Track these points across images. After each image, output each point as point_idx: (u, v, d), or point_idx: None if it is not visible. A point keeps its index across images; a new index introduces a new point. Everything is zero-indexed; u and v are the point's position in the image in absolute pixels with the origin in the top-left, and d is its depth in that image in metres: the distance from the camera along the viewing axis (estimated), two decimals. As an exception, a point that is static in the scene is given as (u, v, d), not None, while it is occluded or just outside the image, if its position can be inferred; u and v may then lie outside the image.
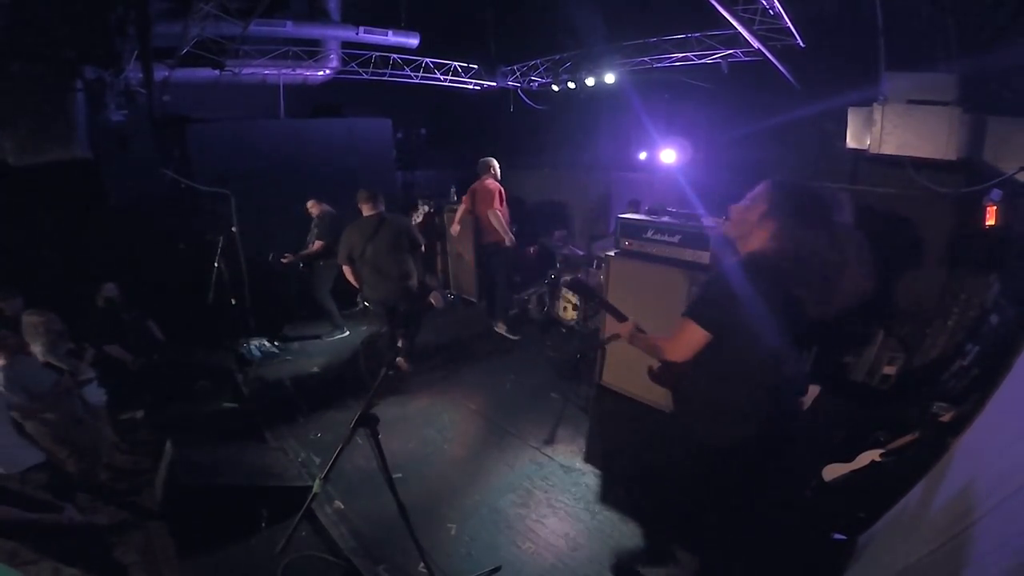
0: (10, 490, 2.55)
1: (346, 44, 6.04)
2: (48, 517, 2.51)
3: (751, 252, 1.72)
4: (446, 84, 6.99)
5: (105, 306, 4.02)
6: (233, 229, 4.77)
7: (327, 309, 5.27)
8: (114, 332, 3.99)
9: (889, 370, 3.96)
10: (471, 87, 7.25)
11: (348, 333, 5.33)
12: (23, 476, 2.71)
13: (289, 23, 5.39)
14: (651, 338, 1.94)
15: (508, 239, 5.08)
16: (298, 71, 5.99)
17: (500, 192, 5.13)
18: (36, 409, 2.81)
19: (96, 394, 3.49)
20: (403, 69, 6.54)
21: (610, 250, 3.91)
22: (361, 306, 5.61)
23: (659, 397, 3.80)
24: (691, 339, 1.72)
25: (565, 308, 5.30)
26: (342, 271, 5.24)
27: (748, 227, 1.74)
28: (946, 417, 2.44)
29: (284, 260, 5.05)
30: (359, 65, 6.26)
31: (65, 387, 3.02)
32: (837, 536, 2.43)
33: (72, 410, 3.08)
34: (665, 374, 1.90)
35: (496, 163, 5.22)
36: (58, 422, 2.95)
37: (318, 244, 5.04)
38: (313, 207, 5.21)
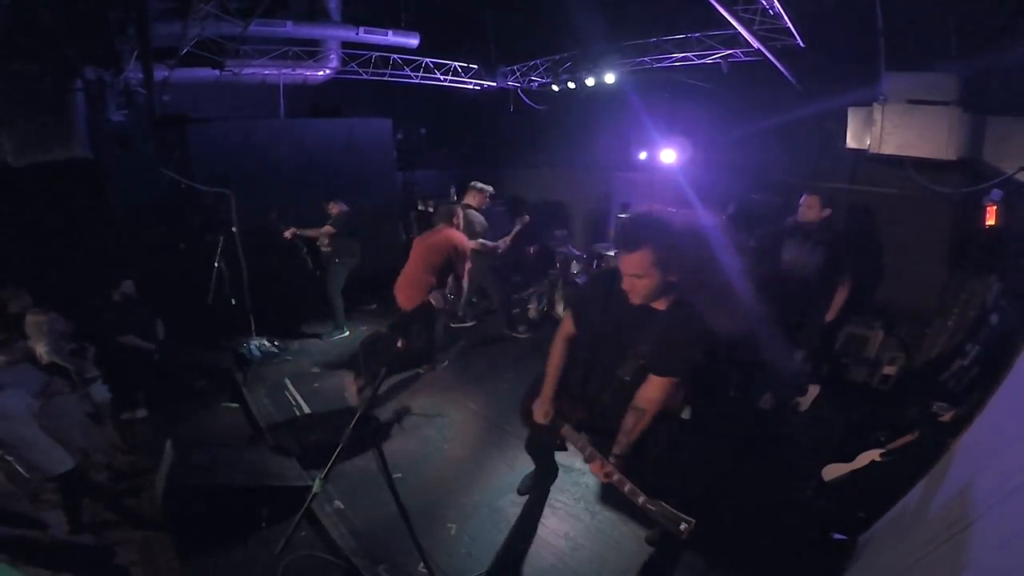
0: None
1: (346, 44, 6.04)
2: (31, 534, 2.51)
3: None
4: (446, 84, 6.99)
5: (121, 301, 4.04)
6: (233, 229, 4.77)
7: (335, 308, 5.27)
8: (130, 325, 4.01)
9: (889, 370, 3.96)
10: (471, 87, 7.25)
11: (348, 334, 5.33)
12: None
13: (289, 23, 5.38)
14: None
15: None
16: (298, 71, 5.99)
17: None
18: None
19: (100, 392, 3.48)
20: (403, 69, 6.54)
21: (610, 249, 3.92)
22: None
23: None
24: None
25: (565, 308, 5.30)
26: (353, 271, 5.20)
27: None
28: (946, 417, 2.44)
29: (288, 234, 5.04)
30: (359, 65, 6.25)
31: (56, 388, 3.01)
32: (837, 536, 2.43)
33: (68, 410, 3.06)
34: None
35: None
36: (52, 423, 2.94)
37: (327, 228, 5.02)
38: (333, 207, 5.18)
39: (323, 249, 5.18)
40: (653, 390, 1.85)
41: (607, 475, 1.78)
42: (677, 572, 2.48)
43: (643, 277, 1.70)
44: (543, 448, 2.61)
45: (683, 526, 1.59)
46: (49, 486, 2.75)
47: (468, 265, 4.28)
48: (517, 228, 5.02)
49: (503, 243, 4.99)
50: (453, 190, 6.74)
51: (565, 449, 2.17)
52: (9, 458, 2.58)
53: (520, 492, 2.99)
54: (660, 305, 1.83)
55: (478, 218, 4.90)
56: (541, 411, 2.08)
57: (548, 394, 2.11)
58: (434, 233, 4.24)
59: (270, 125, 5.97)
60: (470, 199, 4.99)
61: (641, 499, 1.70)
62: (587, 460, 1.87)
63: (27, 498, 2.67)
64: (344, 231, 5.10)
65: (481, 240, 4.82)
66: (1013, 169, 3.19)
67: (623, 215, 3.93)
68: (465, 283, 4.47)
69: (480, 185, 5.05)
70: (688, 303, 1.79)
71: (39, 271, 4.21)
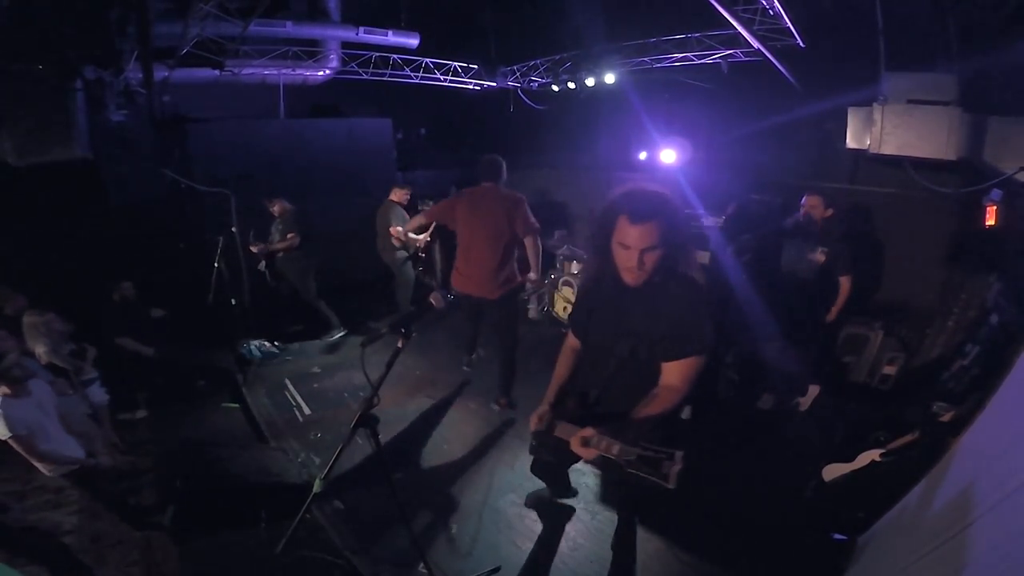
0: None
1: (346, 44, 6.04)
2: (31, 534, 2.52)
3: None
4: (446, 84, 6.99)
5: (120, 302, 4.05)
6: (233, 229, 4.77)
7: (319, 309, 5.26)
8: (128, 327, 4.01)
9: (889, 370, 3.96)
10: (471, 87, 7.25)
11: (346, 331, 5.32)
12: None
13: (289, 23, 5.38)
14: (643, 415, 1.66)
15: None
16: (298, 71, 5.99)
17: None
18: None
19: (98, 394, 3.49)
20: (403, 69, 6.54)
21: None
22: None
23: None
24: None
25: (565, 308, 5.30)
26: (319, 269, 5.14)
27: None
28: (946, 417, 2.44)
29: (253, 248, 4.93)
30: (359, 65, 6.25)
31: (60, 389, 3.01)
32: (837, 536, 2.43)
33: (71, 410, 3.07)
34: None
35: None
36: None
37: (292, 236, 4.88)
38: (277, 205, 4.99)
39: (280, 255, 5.01)
40: (672, 376, 1.70)
41: (584, 441, 1.56)
42: (677, 572, 2.48)
43: (655, 249, 1.62)
44: (551, 471, 2.45)
45: (669, 464, 1.32)
46: (68, 485, 2.76)
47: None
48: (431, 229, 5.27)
49: (423, 239, 5.34)
50: (453, 190, 6.73)
51: (568, 464, 2.02)
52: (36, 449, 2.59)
53: (528, 505, 2.86)
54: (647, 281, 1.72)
55: (399, 209, 5.26)
56: (537, 414, 1.84)
57: (548, 398, 1.97)
58: (486, 195, 3.38)
59: (270, 125, 5.98)
60: (393, 196, 5.28)
61: (616, 448, 1.45)
62: (569, 439, 1.65)
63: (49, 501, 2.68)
64: (303, 230, 4.98)
65: (399, 228, 5.09)
66: (1013, 169, 3.19)
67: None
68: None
69: (405, 185, 5.46)
70: (685, 275, 1.73)
71: (39, 271, 4.21)
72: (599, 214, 1.73)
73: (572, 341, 2.06)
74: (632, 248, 1.62)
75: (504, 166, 3.43)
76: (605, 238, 1.70)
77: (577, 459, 1.80)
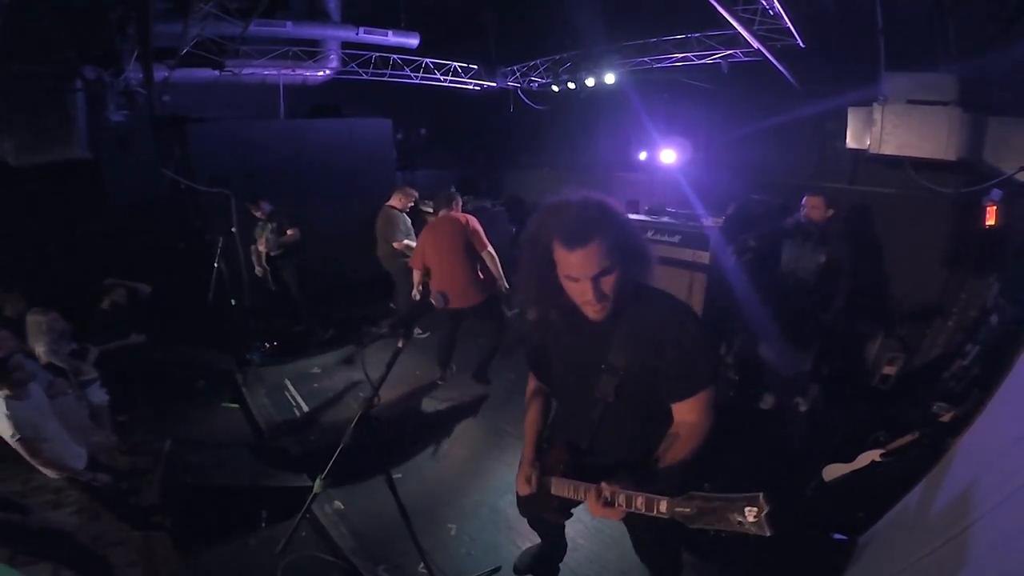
0: None
1: (346, 44, 6.04)
2: (12, 517, 2.51)
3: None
4: (446, 84, 6.99)
5: (111, 308, 4.02)
6: (233, 229, 4.77)
7: (305, 308, 5.27)
8: (116, 334, 3.99)
9: (889, 370, 3.97)
10: (471, 87, 7.25)
11: (332, 332, 5.31)
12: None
13: (289, 23, 5.39)
14: (674, 457, 1.41)
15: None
16: (298, 71, 5.99)
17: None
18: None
19: (98, 394, 3.48)
20: (403, 69, 6.54)
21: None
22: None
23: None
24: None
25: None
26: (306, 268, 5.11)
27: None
28: (946, 417, 2.45)
29: (261, 247, 5.02)
30: (359, 65, 6.25)
31: (59, 389, 3.01)
32: (837, 536, 2.44)
33: (71, 411, 3.07)
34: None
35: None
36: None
37: (294, 231, 4.94)
38: (266, 207, 5.00)
39: (272, 254, 5.01)
40: (686, 413, 1.46)
41: (608, 500, 1.26)
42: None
43: (609, 272, 1.33)
44: (549, 524, 2.13)
45: (752, 511, 0.95)
46: (68, 485, 2.76)
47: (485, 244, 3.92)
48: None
49: None
50: (453, 190, 6.74)
51: (571, 516, 1.80)
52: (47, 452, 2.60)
53: (518, 570, 2.43)
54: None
55: (402, 218, 5.11)
56: (523, 478, 1.61)
57: (528, 457, 1.68)
58: (442, 223, 3.96)
59: (270, 125, 5.98)
60: (395, 201, 5.14)
61: (664, 505, 1.13)
62: (583, 499, 1.41)
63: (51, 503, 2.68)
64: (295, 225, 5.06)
65: (406, 241, 5.03)
66: (1013, 169, 3.18)
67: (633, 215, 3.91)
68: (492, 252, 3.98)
69: (407, 189, 5.25)
70: (657, 291, 1.49)
71: (38, 271, 4.21)
72: (528, 243, 1.43)
73: (536, 384, 1.83)
74: (581, 279, 1.33)
75: (458, 198, 4.11)
76: (548, 272, 1.40)
77: (575, 506, 1.64)
